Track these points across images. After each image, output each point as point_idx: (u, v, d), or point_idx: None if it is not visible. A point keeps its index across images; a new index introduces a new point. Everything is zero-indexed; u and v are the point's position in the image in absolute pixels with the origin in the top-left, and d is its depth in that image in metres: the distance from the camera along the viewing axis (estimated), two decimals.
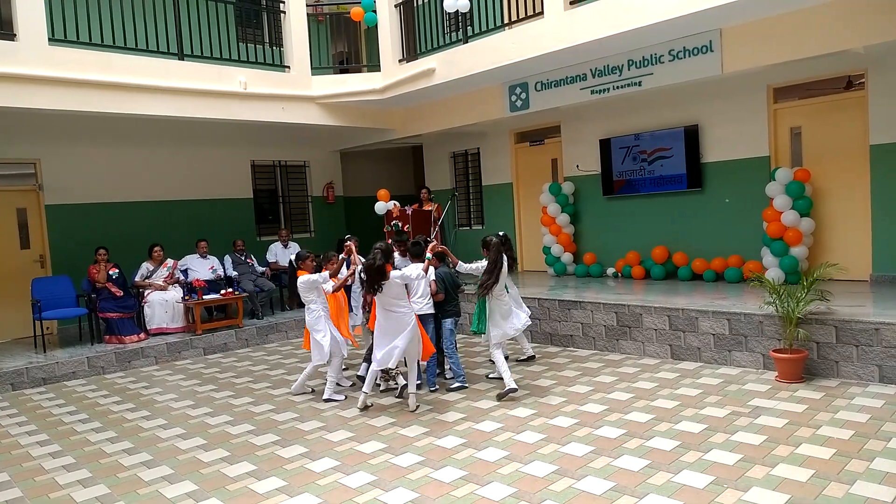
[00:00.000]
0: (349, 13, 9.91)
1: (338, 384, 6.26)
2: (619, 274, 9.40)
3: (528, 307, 6.70)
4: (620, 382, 6.01)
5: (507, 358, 6.19)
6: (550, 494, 3.79)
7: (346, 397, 6.04)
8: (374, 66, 10.13)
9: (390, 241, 6.75)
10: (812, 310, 5.75)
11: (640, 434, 4.65)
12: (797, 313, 5.60)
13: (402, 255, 6.43)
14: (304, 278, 6.02)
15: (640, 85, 7.89)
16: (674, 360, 6.70)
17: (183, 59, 8.61)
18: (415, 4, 9.68)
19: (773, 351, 5.80)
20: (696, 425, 4.76)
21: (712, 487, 3.74)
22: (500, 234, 6.17)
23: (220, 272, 9.57)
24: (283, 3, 9.68)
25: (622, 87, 8.05)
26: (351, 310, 6.69)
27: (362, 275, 5.48)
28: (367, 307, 6.03)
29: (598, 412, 5.20)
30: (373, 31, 10.27)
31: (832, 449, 4.17)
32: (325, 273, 6.11)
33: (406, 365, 5.64)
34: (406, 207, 9.80)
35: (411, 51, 9.73)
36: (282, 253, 10.46)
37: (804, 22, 6.48)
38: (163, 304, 8.66)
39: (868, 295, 6.70)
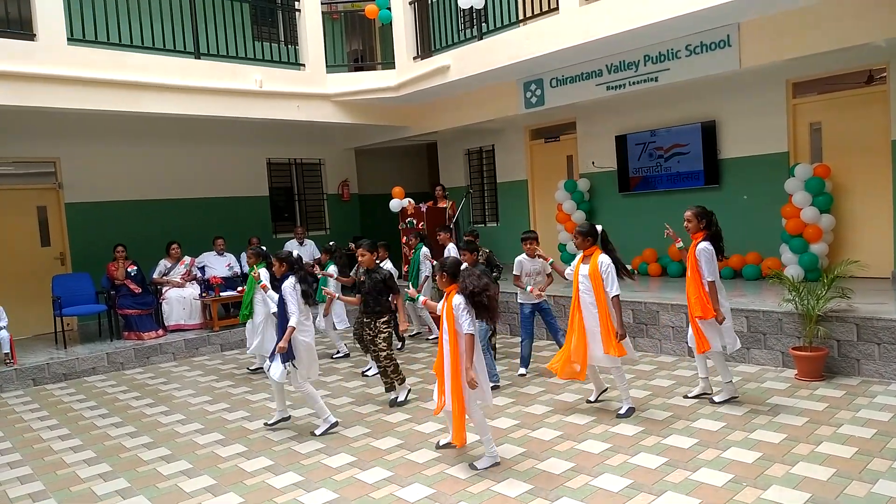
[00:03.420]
0: (364, 11, 9.93)
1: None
2: (636, 271, 9.33)
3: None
4: (637, 380, 5.98)
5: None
6: (567, 491, 3.78)
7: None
8: (389, 63, 10.12)
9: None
10: (832, 307, 5.68)
11: (657, 432, 4.62)
12: (817, 311, 5.54)
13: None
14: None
15: (656, 80, 7.81)
16: (691, 357, 6.63)
17: (199, 58, 8.66)
18: (429, 1, 9.65)
19: (793, 349, 5.74)
20: (715, 423, 4.72)
21: (731, 485, 3.71)
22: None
23: (237, 269, 9.65)
24: (299, 1, 9.71)
25: (638, 82, 7.97)
26: None
27: None
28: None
29: (614, 409, 5.17)
30: (387, 28, 10.28)
31: (853, 448, 4.12)
32: None
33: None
34: (421, 205, 9.82)
35: (426, 48, 9.71)
36: (298, 250, 10.50)
37: (824, 15, 6.38)
38: (180, 301, 8.74)
39: (890, 292, 6.60)
